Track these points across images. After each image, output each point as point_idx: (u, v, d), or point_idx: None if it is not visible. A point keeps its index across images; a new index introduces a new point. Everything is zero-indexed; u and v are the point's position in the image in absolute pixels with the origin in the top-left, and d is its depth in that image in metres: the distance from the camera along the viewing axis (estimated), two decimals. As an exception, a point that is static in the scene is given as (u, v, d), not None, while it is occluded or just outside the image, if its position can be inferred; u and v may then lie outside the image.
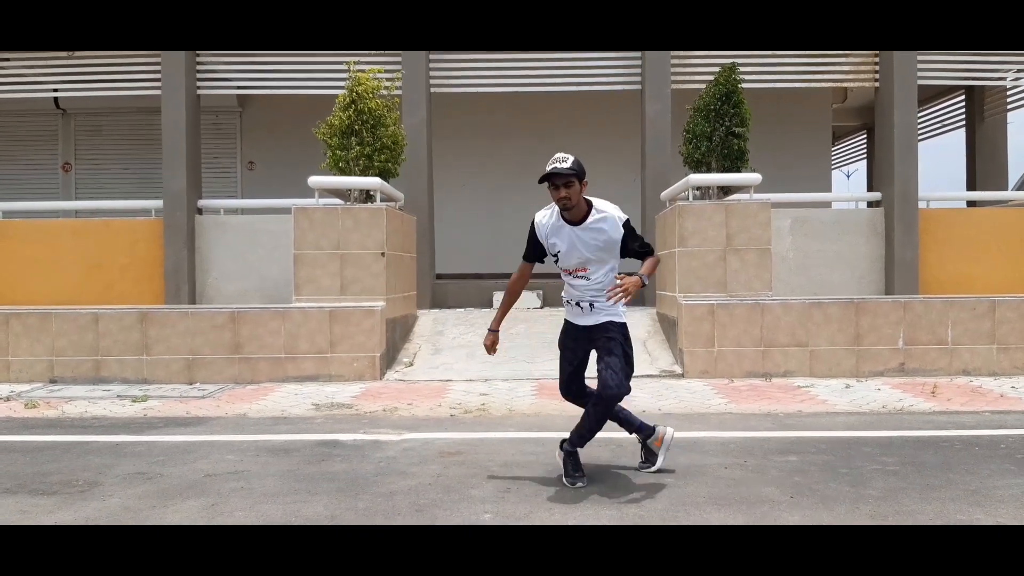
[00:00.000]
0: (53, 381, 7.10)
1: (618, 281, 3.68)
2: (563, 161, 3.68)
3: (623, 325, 3.91)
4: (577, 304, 3.92)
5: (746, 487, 3.75)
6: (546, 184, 3.73)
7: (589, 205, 3.77)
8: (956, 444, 4.58)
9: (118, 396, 6.48)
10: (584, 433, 3.91)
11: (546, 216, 3.87)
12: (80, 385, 6.98)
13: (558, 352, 4.11)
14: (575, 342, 4.00)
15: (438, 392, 6.44)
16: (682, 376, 7.00)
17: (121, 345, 7.09)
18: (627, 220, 3.79)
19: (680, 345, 7.14)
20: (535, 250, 3.96)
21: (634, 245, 3.81)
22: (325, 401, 6.16)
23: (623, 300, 3.67)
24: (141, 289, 9.52)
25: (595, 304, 3.87)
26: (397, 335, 7.82)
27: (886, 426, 5.13)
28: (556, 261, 3.89)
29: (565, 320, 4.06)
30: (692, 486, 3.77)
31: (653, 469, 4.03)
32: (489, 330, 4.11)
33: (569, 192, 3.68)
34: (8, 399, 6.40)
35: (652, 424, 4.14)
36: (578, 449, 3.92)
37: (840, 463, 4.17)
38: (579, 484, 3.79)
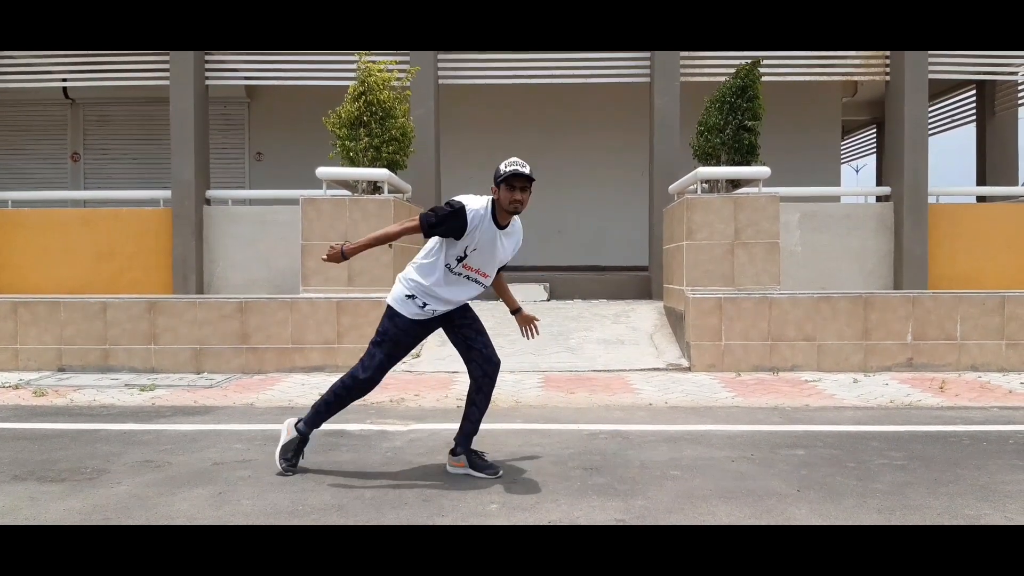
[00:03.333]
0: (62, 370, 7.13)
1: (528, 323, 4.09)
2: (523, 166, 3.61)
3: None
4: (440, 314, 3.81)
5: (753, 480, 3.75)
6: (498, 184, 3.62)
7: None
8: (964, 439, 4.57)
9: (126, 385, 6.51)
10: (477, 425, 3.89)
11: (481, 210, 3.63)
12: (88, 374, 7.01)
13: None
14: (424, 331, 3.87)
15: (444, 383, 6.45)
16: (689, 370, 6.99)
17: (129, 334, 7.12)
18: None
19: (687, 339, 7.12)
20: (452, 232, 3.63)
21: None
22: (332, 391, 6.17)
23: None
24: (149, 278, 9.55)
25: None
26: (404, 326, 7.82)
27: (894, 421, 5.11)
28: (460, 259, 3.67)
29: (410, 319, 3.76)
30: (699, 479, 3.77)
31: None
32: (343, 245, 3.70)
33: (524, 197, 3.64)
34: (17, 387, 6.44)
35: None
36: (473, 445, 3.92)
37: (847, 457, 4.16)
38: (500, 473, 3.81)
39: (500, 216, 3.68)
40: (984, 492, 3.54)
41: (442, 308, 3.80)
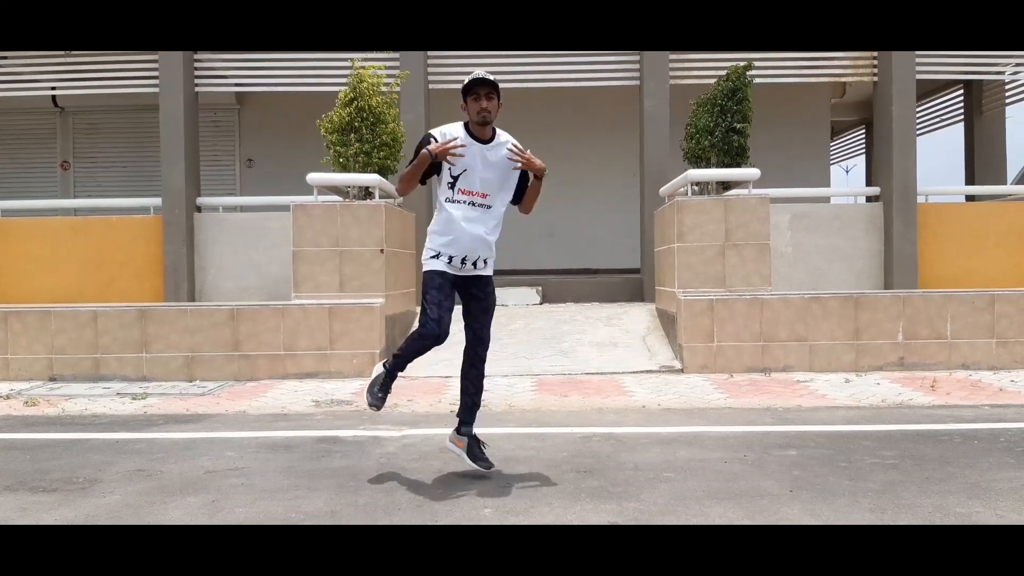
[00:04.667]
0: (53, 379, 7.10)
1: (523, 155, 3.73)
2: (486, 74, 3.66)
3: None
4: (473, 264, 3.79)
5: (746, 481, 3.76)
6: (465, 99, 3.66)
7: (494, 130, 3.77)
8: (955, 438, 4.59)
9: (118, 394, 6.48)
10: (472, 398, 4.00)
11: (448, 129, 3.73)
12: (80, 383, 6.98)
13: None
14: (449, 280, 3.83)
15: (438, 388, 6.45)
16: (681, 371, 7.01)
17: (121, 343, 7.09)
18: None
19: (679, 340, 7.14)
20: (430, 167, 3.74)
21: (525, 181, 3.86)
22: (325, 398, 6.16)
23: (519, 165, 3.74)
24: (140, 287, 9.52)
25: (488, 261, 3.85)
26: (396, 332, 7.82)
27: (885, 420, 5.13)
28: (452, 184, 3.73)
29: (439, 271, 3.78)
30: (692, 480, 3.78)
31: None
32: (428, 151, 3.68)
33: (490, 105, 3.64)
34: (8, 397, 6.41)
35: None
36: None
37: (839, 457, 4.17)
38: (491, 468, 3.85)
39: (475, 130, 3.71)
40: (975, 490, 3.56)
41: (456, 252, 3.76)
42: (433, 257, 3.82)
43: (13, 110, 12.12)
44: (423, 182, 3.86)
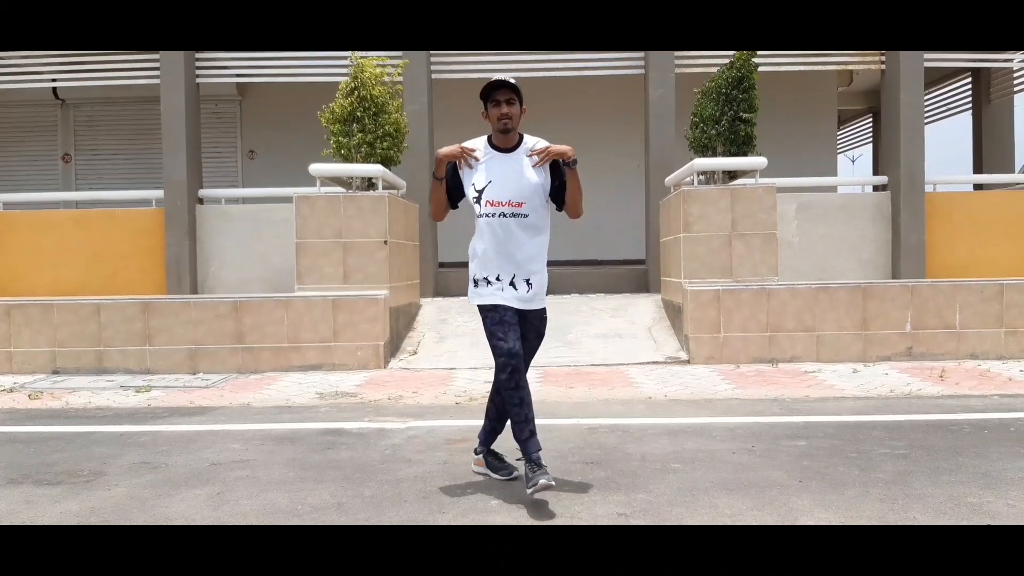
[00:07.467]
0: (56, 372, 7.08)
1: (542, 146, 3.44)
2: (504, 77, 3.43)
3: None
4: (512, 284, 3.46)
5: (754, 472, 3.72)
6: (485, 105, 3.45)
7: (520, 136, 3.52)
8: (965, 428, 4.55)
9: (121, 386, 6.46)
10: (496, 432, 3.77)
11: (470, 141, 3.51)
12: (83, 376, 6.96)
13: (516, 337, 3.43)
14: (515, 320, 3.48)
15: (442, 380, 6.42)
16: (688, 362, 6.97)
17: (124, 335, 7.07)
18: None
19: (685, 331, 7.09)
20: (452, 170, 3.51)
21: (561, 177, 3.50)
22: (329, 390, 6.14)
23: (537, 162, 3.45)
24: (143, 279, 9.49)
25: (532, 280, 3.50)
26: (400, 324, 7.78)
27: (894, 410, 5.09)
28: (477, 198, 3.45)
29: (491, 306, 3.46)
30: (700, 471, 3.74)
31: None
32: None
33: (511, 110, 3.41)
34: (11, 390, 6.39)
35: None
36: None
37: (849, 447, 4.14)
38: (515, 474, 3.64)
39: (497, 139, 3.50)
40: (986, 480, 3.52)
41: (495, 270, 3.46)
42: (475, 286, 3.53)
43: (14, 102, 12.09)
44: (454, 205, 3.59)
